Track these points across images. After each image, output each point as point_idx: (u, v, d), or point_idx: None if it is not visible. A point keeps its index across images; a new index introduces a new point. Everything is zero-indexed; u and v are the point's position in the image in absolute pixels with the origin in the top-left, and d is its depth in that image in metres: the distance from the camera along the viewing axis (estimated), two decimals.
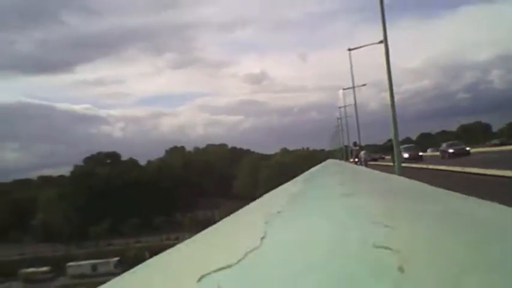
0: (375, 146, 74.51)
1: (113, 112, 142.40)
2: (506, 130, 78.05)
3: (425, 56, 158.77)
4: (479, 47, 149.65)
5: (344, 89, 38.57)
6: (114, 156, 70.40)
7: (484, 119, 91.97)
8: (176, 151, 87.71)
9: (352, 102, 39.45)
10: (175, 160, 78.63)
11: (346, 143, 48.26)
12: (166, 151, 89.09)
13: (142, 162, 78.79)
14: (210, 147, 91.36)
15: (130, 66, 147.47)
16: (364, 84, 33.51)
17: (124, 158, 73.54)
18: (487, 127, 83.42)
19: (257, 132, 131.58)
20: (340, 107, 46.45)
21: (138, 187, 61.40)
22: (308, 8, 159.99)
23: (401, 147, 29.81)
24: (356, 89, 29.92)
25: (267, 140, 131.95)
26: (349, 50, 24.74)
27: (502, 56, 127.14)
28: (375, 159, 42.20)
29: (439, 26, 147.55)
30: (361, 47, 24.29)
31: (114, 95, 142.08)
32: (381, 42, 21.46)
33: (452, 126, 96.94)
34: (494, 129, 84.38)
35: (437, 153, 37.32)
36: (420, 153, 34.31)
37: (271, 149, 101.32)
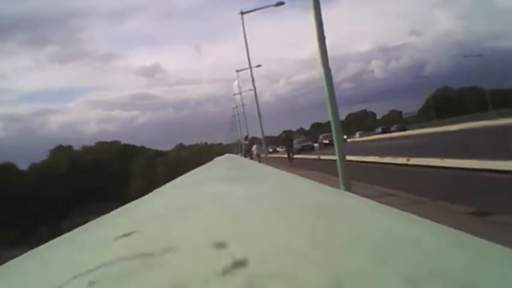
0: (271, 137, 75.79)
1: None
2: (388, 117, 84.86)
3: (312, 47, 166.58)
4: (361, 38, 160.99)
5: (238, 71, 35.26)
6: None
7: (369, 108, 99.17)
8: (62, 151, 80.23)
9: (247, 91, 37.79)
10: (60, 161, 71.70)
11: (244, 135, 47.09)
12: (51, 151, 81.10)
13: (26, 165, 70.86)
14: (101, 145, 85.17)
15: (9, 60, 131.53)
16: (259, 65, 30.94)
17: (5, 160, 65.20)
18: (372, 115, 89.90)
19: (153, 127, 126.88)
20: (235, 94, 44.32)
21: (15, 194, 54.43)
22: None
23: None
24: (250, 83, 28.12)
25: (163, 136, 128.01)
26: (242, 13, 21.46)
27: (381, 47, 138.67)
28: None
29: (324, 16, 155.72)
30: (254, 10, 22.00)
31: None
32: (278, 4, 19.36)
33: (341, 115, 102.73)
34: (378, 116, 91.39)
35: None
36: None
37: (168, 145, 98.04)
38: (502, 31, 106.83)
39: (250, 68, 23.04)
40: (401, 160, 11.45)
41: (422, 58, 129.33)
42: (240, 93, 38.95)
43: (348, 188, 5.76)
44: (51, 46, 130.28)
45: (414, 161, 10.82)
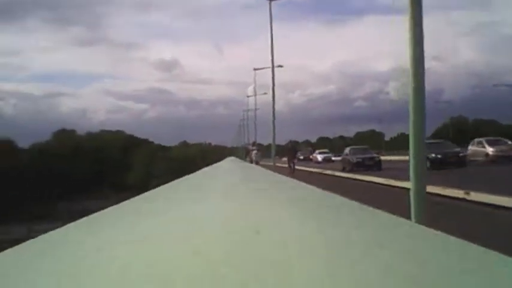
0: (278, 146, 74.18)
1: (3, 86, 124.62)
2: (396, 139, 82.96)
3: (331, 61, 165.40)
4: (380, 57, 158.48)
5: (256, 69, 33.58)
6: None
7: (379, 128, 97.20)
8: (64, 135, 79.11)
9: (261, 94, 35.98)
10: (62, 144, 70.62)
11: (253, 140, 45.08)
12: (54, 134, 80.00)
13: (30, 144, 69.96)
14: (104, 133, 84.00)
15: (29, 37, 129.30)
16: (280, 65, 27.80)
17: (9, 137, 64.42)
18: (380, 135, 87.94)
19: (161, 122, 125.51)
20: (249, 96, 42.49)
21: (9, 172, 53.13)
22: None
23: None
24: (265, 88, 26.05)
25: (169, 132, 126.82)
26: (270, 0, 20.20)
27: (399, 68, 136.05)
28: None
29: (345, 32, 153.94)
30: None
31: (7, 66, 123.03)
32: None
33: (351, 132, 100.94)
34: (387, 138, 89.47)
35: None
36: None
37: (172, 141, 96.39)
38: None
39: (273, 64, 21.51)
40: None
41: (442, 84, 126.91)
42: (255, 94, 37.30)
43: None
44: (73, 28, 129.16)
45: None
